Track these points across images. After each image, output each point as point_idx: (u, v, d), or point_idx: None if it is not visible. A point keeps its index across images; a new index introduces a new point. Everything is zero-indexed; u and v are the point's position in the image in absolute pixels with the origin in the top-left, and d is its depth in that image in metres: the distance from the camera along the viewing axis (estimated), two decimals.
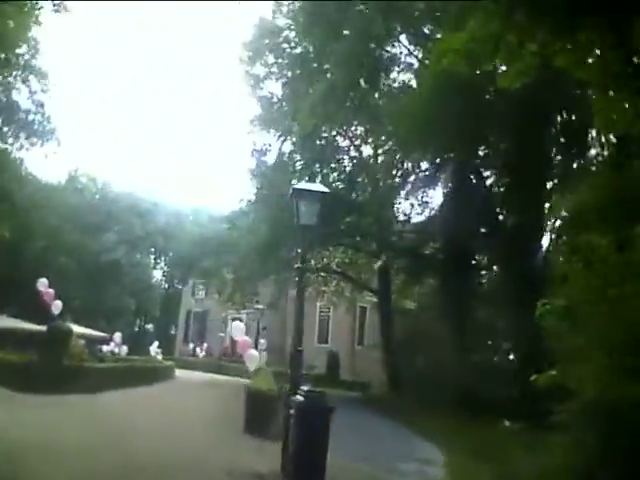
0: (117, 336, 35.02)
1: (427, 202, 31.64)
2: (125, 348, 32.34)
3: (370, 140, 32.45)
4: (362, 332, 48.61)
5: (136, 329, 66.72)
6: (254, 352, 16.00)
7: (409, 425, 18.01)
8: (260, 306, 26.85)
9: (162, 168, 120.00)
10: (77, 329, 43.33)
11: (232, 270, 32.84)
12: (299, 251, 8.38)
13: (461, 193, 25.18)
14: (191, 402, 20.00)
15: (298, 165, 31.55)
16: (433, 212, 30.34)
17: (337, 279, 35.32)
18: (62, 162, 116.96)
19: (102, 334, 47.95)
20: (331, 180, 31.88)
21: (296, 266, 8.22)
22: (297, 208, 8.06)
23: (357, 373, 42.37)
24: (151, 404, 17.21)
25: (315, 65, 29.63)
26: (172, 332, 69.40)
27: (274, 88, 32.70)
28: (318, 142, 29.13)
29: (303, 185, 8.39)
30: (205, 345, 49.99)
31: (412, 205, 32.03)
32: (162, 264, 75.37)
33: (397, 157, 31.16)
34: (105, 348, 41.56)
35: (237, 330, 18.91)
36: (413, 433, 16.99)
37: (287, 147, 32.64)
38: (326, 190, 8.36)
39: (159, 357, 37.81)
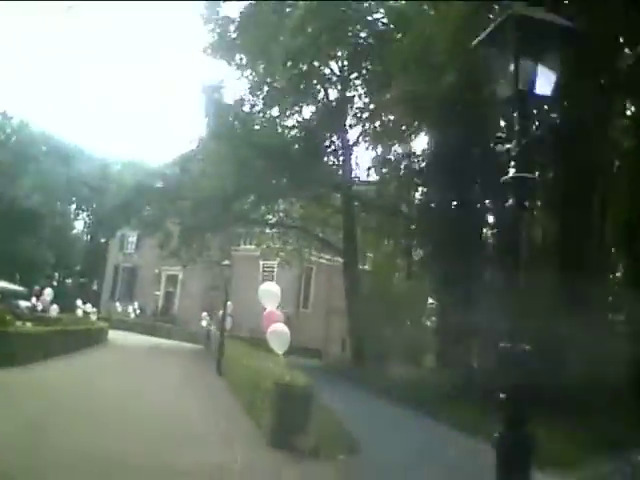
0: (47, 292, 29.94)
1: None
2: (56, 307, 27.31)
3: (339, 83, 28.16)
4: (308, 294, 44.91)
5: (55, 284, 60.28)
6: (284, 328, 11.19)
7: (427, 414, 14.13)
8: (227, 262, 22.45)
9: (90, 111, 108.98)
10: None
11: (179, 221, 28.13)
12: (512, 145, 3.67)
13: (454, 142, 21.39)
14: (153, 382, 15.76)
15: (259, 103, 27.28)
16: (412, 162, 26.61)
17: (295, 236, 31.11)
18: None
19: (19, 288, 42.55)
20: (290, 125, 27.96)
21: (508, 177, 3.59)
22: (515, 55, 3.60)
23: (304, 339, 38.63)
24: (99, 389, 12.78)
25: None
26: (94, 288, 63.77)
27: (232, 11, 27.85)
28: (283, 81, 24.67)
29: (526, 8, 3.46)
30: (136, 304, 44.97)
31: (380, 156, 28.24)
32: (84, 215, 68.90)
33: (367, 100, 27.43)
34: (22, 304, 36.95)
35: (268, 295, 12.16)
36: (441, 425, 12.98)
37: (243, 84, 28.21)
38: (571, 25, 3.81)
39: (93, 317, 32.93)
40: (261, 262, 43.98)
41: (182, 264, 31.17)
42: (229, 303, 21.24)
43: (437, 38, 14.71)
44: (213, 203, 24.98)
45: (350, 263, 27.50)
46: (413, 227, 25.82)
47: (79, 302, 34.52)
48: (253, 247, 39.62)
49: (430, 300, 28.23)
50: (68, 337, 21.69)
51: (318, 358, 32.42)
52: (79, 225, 69.81)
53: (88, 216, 68.43)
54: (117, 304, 46.96)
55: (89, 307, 35.04)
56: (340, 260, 39.74)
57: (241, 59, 27.53)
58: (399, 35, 20.96)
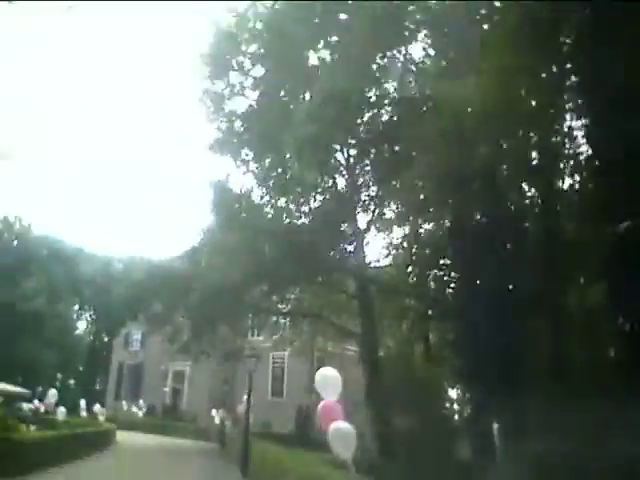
0: (51, 394, 28.33)
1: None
2: (63, 410, 25.57)
3: (345, 173, 27.48)
4: None
5: (57, 384, 58.30)
6: (349, 426, 8.99)
7: None
8: (251, 352, 20.98)
9: (90, 209, 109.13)
10: None
11: (188, 314, 27.02)
12: None
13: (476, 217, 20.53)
14: None
15: (265, 196, 26.80)
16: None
17: (310, 324, 29.87)
18: None
19: (22, 390, 40.98)
20: (298, 214, 27.30)
21: None
22: None
23: (319, 430, 36.44)
24: None
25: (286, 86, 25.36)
26: (97, 387, 61.77)
27: (238, 106, 27.79)
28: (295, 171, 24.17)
29: None
30: (141, 402, 43.04)
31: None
32: (87, 315, 67.74)
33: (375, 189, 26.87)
34: (25, 407, 35.35)
35: (326, 382, 9.67)
36: None
37: (250, 177, 27.76)
38: None
39: (101, 418, 31.24)
40: (271, 354, 42.57)
41: (193, 358, 29.68)
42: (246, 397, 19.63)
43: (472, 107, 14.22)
44: (223, 294, 24.03)
45: (369, 350, 26.19)
46: (429, 312, 24.91)
47: (82, 403, 32.85)
48: (262, 338, 38.39)
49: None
50: (76, 442, 20.30)
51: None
52: (82, 325, 68.63)
53: (91, 316, 67.34)
54: (123, 403, 45.04)
55: (98, 407, 33.31)
56: (351, 349, 38.46)
57: (247, 155, 27.23)
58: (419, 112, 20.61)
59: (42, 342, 55.27)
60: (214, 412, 34.54)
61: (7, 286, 54.24)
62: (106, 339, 61.65)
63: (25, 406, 35.08)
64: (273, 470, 13.34)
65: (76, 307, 65.61)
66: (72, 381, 64.84)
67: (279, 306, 28.76)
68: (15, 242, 59.82)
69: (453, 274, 23.80)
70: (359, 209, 27.17)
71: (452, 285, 24.44)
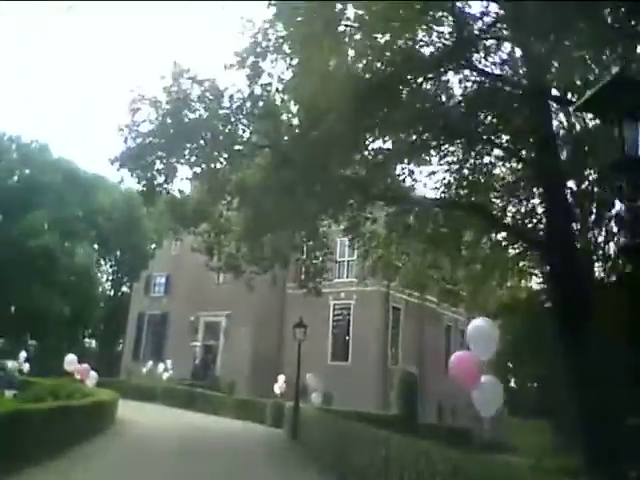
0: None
1: None
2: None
3: None
4: (396, 342, 30.83)
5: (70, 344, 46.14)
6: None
7: None
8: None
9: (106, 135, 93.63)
10: None
11: (244, 205, 13.76)
12: None
13: None
14: None
15: None
16: None
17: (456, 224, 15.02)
18: None
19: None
20: None
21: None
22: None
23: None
24: None
25: None
26: (119, 349, 49.47)
27: None
28: None
29: None
30: (169, 362, 29.90)
31: None
32: (107, 264, 54.83)
33: None
34: (11, 365, 26.04)
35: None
36: None
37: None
38: None
39: (90, 383, 19.43)
40: (332, 302, 30.01)
41: (245, 281, 16.04)
42: None
43: None
44: (306, 161, 11.37)
45: (565, 273, 12.68)
46: None
47: (70, 357, 20.88)
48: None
49: None
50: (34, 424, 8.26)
51: (467, 443, 17.89)
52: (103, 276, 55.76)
53: (112, 266, 54.58)
54: (147, 364, 31.75)
55: (84, 370, 20.66)
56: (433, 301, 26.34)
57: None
58: None
59: (53, 288, 42.55)
60: (280, 379, 22.04)
61: (12, 218, 42.10)
62: (128, 290, 49.14)
63: (11, 365, 25.94)
64: None
65: (95, 247, 52.22)
66: (92, 341, 52.89)
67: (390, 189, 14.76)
68: (22, 165, 46.45)
69: None
70: None
71: None
